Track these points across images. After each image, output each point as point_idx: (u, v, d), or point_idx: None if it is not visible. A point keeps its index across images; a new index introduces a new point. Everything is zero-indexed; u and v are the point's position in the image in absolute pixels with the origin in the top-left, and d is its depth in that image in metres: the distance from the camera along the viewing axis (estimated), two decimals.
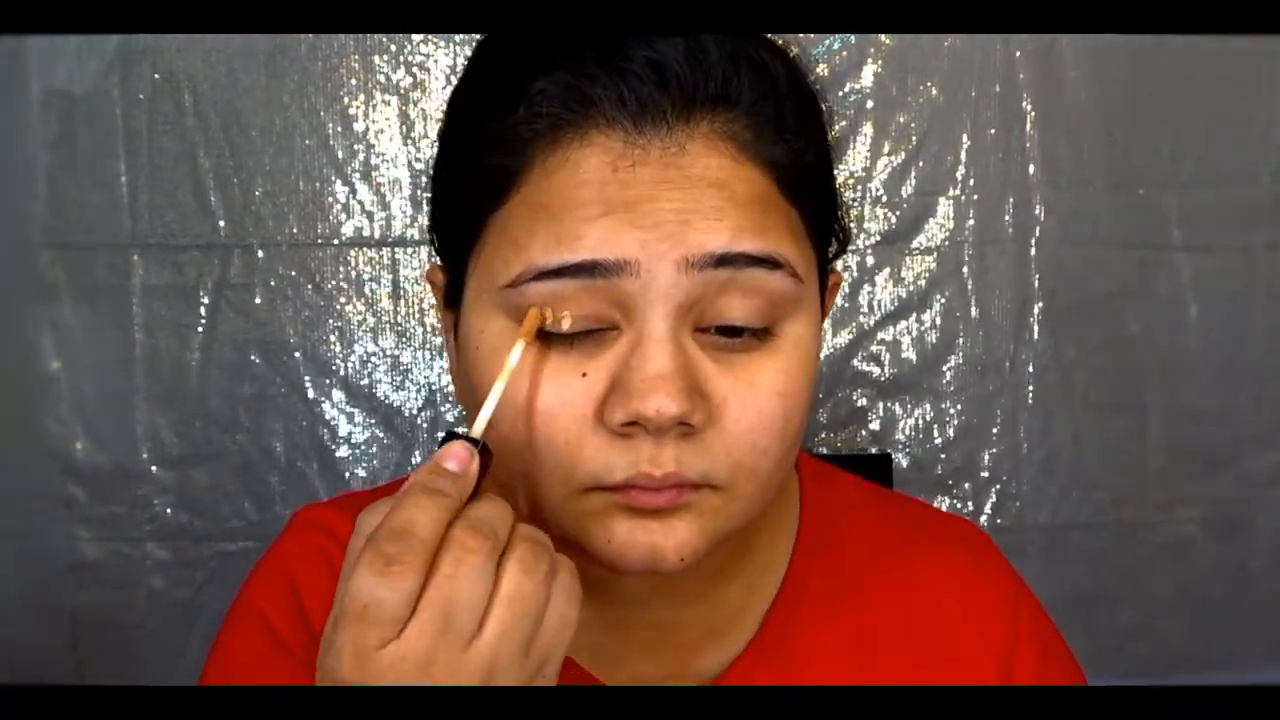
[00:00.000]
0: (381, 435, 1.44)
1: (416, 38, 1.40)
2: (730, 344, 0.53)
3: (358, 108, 1.41)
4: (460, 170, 0.57)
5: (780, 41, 0.59)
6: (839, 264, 0.64)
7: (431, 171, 0.60)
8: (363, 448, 1.44)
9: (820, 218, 0.57)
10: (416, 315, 1.43)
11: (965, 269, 1.45)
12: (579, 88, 0.52)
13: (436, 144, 0.60)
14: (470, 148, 0.56)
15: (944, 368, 1.46)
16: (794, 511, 0.68)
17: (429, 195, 0.61)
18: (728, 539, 0.56)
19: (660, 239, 0.50)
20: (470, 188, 0.55)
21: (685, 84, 0.52)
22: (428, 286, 1.40)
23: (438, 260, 0.61)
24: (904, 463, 1.46)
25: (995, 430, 1.47)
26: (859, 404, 1.46)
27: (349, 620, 0.44)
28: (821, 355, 0.63)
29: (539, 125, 0.52)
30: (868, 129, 1.43)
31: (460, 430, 0.50)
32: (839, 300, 1.45)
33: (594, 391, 0.52)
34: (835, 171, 0.61)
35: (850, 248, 1.44)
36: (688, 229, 0.51)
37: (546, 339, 0.53)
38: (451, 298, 0.59)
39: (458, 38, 1.40)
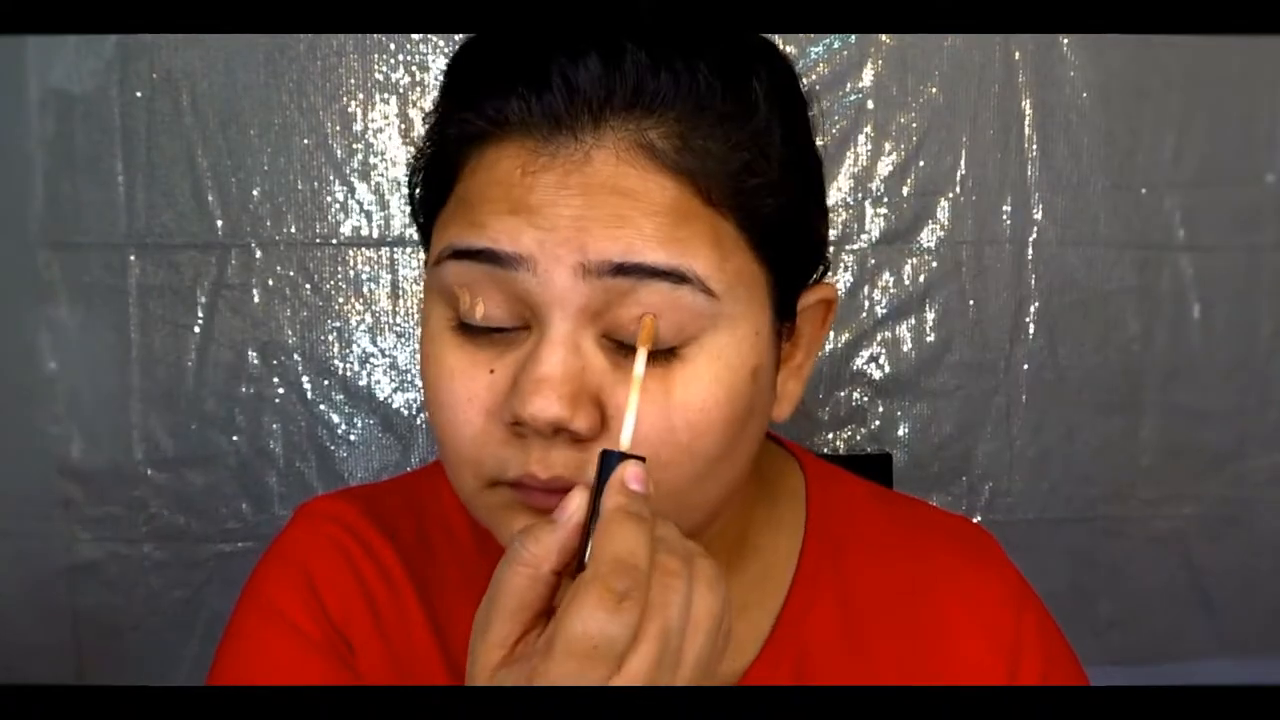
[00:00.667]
0: (380, 435, 1.44)
1: (415, 37, 1.40)
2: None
3: (356, 107, 1.41)
4: (419, 169, 0.60)
5: (769, 40, 0.59)
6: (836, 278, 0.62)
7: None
8: (361, 448, 1.44)
9: (771, 229, 0.55)
10: (415, 315, 1.42)
11: (964, 269, 1.45)
12: (500, 97, 0.53)
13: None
14: (425, 152, 0.59)
15: (942, 367, 1.46)
16: (799, 513, 0.68)
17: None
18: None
19: (558, 242, 0.51)
20: (425, 186, 0.59)
21: (594, 92, 0.52)
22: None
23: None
24: (902, 460, 1.46)
25: (989, 428, 1.47)
26: (858, 403, 1.46)
27: (574, 656, 0.44)
28: (816, 363, 0.62)
29: (470, 130, 0.54)
30: (867, 129, 1.43)
31: (616, 450, 0.50)
32: (840, 298, 1.45)
33: (498, 388, 0.53)
34: (821, 179, 0.60)
35: (849, 247, 1.45)
36: (585, 235, 0.51)
37: (471, 333, 0.54)
38: None
39: (457, 38, 1.39)
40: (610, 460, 0.49)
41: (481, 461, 0.54)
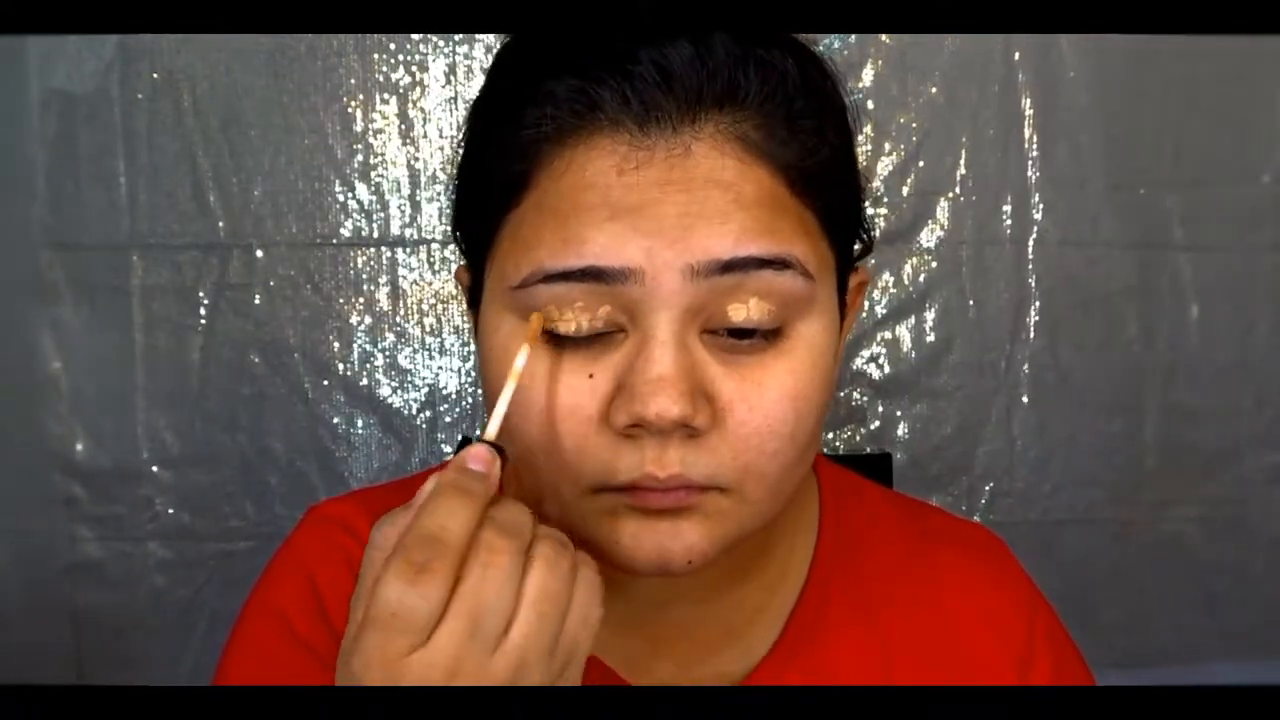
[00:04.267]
0: (380, 435, 1.44)
1: (416, 38, 1.40)
2: (739, 345, 0.53)
3: (356, 108, 1.41)
4: (477, 174, 0.58)
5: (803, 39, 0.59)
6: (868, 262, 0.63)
7: (456, 174, 0.61)
8: (362, 448, 1.44)
9: (838, 216, 0.56)
10: (415, 315, 1.43)
11: (964, 269, 1.45)
12: (585, 91, 0.52)
13: (460, 147, 0.60)
14: (486, 152, 0.56)
15: (942, 367, 1.47)
16: (813, 516, 0.68)
17: (453, 197, 0.61)
18: (740, 542, 0.56)
19: (665, 245, 0.50)
20: (486, 191, 0.56)
21: (690, 86, 0.51)
22: (427, 287, 1.42)
23: (464, 261, 0.62)
24: (902, 461, 1.46)
25: (989, 429, 1.47)
26: (858, 403, 1.47)
27: (376, 626, 0.44)
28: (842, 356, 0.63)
29: (547, 129, 0.52)
30: (868, 129, 1.43)
31: (476, 434, 0.50)
32: None
33: (600, 393, 0.52)
34: (859, 170, 0.60)
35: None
36: (692, 233, 0.50)
37: (558, 341, 0.53)
38: (474, 298, 0.59)
39: (457, 38, 1.40)
40: (464, 447, 0.49)
41: (583, 469, 0.53)
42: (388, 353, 1.43)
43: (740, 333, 0.52)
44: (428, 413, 1.44)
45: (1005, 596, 0.68)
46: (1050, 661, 0.66)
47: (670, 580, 0.58)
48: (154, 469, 1.43)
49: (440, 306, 1.43)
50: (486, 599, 0.44)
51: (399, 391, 1.44)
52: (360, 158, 1.42)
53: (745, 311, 0.52)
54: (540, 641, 0.45)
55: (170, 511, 1.43)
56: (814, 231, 0.54)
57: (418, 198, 1.42)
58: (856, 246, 0.60)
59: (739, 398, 0.52)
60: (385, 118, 1.42)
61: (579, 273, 0.51)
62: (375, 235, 1.42)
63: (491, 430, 0.51)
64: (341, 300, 1.42)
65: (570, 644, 0.47)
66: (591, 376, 0.52)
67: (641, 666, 0.62)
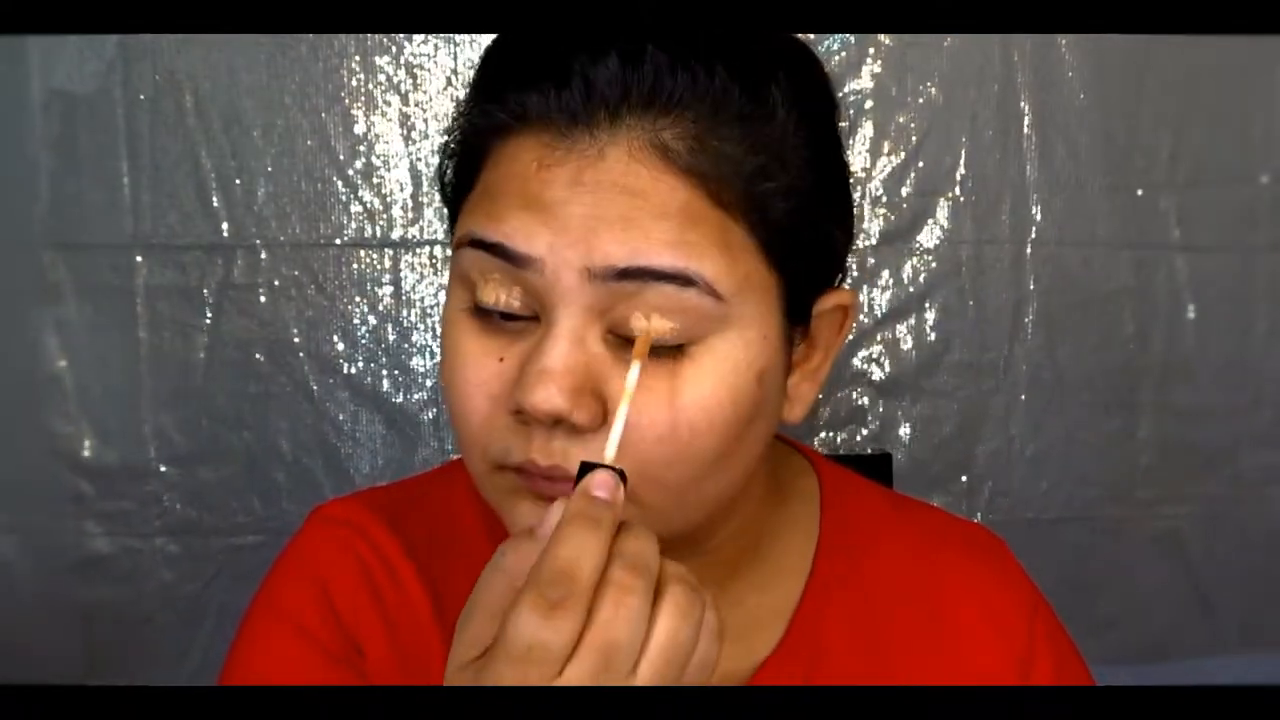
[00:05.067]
0: (384, 433, 1.45)
1: (417, 38, 1.40)
2: None
3: (359, 108, 1.41)
4: (449, 159, 0.61)
5: (802, 43, 0.59)
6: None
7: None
8: (366, 445, 1.46)
9: (782, 234, 0.55)
10: (419, 315, 1.44)
11: (964, 269, 1.46)
12: (522, 90, 0.54)
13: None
14: (453, 144, 0.60)
15: (942, 367, 1.48)
16: (813, 516, 0.68)
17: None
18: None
19: (567, 244, 0.52)
20: (453, 175, 0.60)
21: (611, 89, 0.52)
22: (429, 286, 1.43)
23: None
24: (902, 461, 1.47)
25: (989, 428, 1.48)
26: (859, 403, 1.48)
27: (512, 660, 0.44)
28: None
29: (493, 122, 0.55)
30: (867, 129, 1.44)
31: (597, 460, 0.50)
32: None
33: (506, 376, 0.54)
34: (846, 186, 0.60)
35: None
36: (594, 236, 0.51)
37: (483, 317, 0.56)
38: None
39: (458, 39, 1.40)
40: (587, 471, 0.49)
41: (488, 446, 0.55)
42: (391, 351, 1.45)
43: None
44: (431, 410, 1.45)
45: (1006, 597, 0.68)
46: (1051, 662, 0.67)
47: None
48: (161, 466, 1.44)
49: (443, 306, 1.43)
50: (617, 638, 0.44)
51: (403, 389, 1.45)
52: (363, 159, 1.42)
53: (644, 323, 0.52)
54: (662, 682, 0.46)
55: (178, 507, 1.44)
56: (739, 248, 0.53)
57: (420, 199, 1.43)
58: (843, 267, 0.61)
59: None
60: (387, 119, 1.42)
61: (494, 247, 0.53)
62: (378, 236, 1.43)
63: (609, 454, 0.50)
64: (345, 300, 1.43)
65: (689, 684, 0.47)
66: (502, 360, 0.54)
67: None
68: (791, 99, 0.55)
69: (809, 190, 0.56)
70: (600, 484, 0.48)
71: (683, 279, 0.51)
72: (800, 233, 0.56)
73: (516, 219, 0.53)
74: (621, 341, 0.53)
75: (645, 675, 0.45)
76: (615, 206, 0.51)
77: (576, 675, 0.44)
